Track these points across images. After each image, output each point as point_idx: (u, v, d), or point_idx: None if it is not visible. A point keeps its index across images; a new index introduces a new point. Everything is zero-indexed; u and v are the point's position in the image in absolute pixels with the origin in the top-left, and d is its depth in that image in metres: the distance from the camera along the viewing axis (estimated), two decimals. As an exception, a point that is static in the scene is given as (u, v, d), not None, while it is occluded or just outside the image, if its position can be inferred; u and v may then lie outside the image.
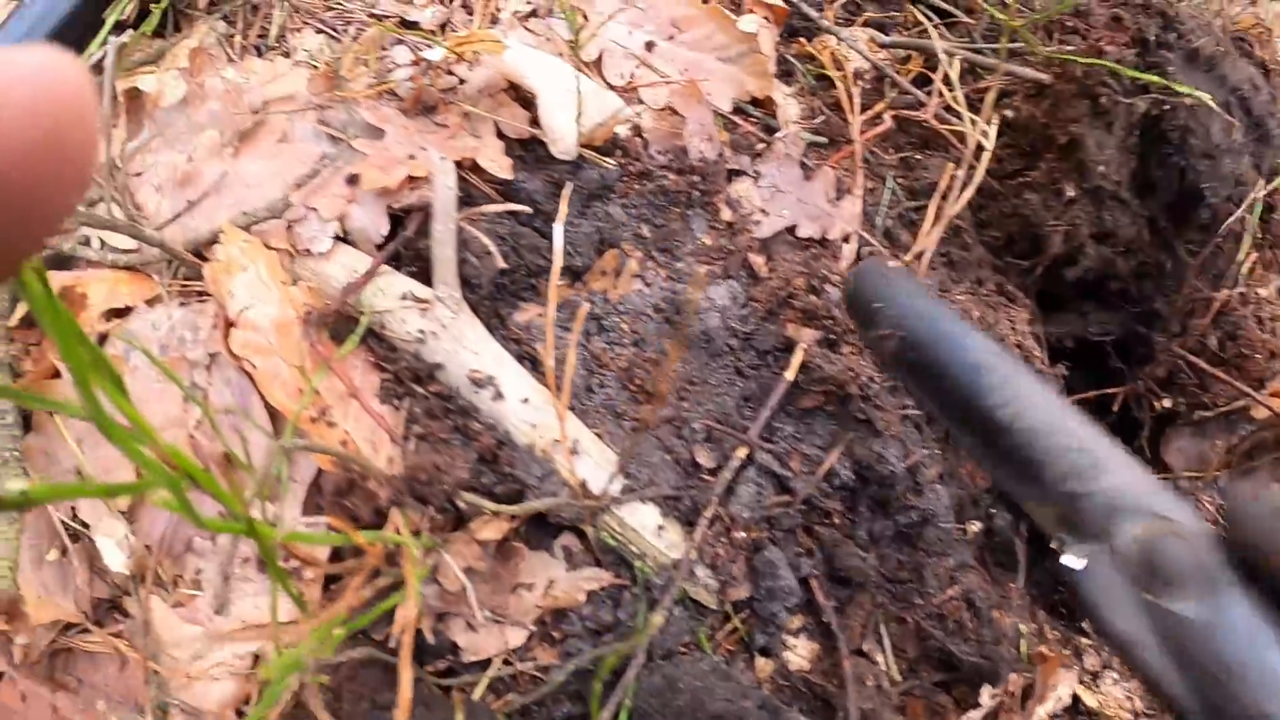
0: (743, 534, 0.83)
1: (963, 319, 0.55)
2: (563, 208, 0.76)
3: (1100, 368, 1.04)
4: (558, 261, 0.74)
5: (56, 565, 0.85)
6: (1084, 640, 1.03)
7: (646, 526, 0.81)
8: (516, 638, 0.79)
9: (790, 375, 0.85)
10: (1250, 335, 0.99)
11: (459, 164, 0.86)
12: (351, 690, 0.74)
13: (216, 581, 0.82)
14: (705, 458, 0.85)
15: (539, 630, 0.80)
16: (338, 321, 0.79)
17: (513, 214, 0.85)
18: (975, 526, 1.02)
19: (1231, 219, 0.94)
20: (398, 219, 0.84)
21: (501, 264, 0.80)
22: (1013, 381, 0.49)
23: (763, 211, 0.92)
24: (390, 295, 0.80)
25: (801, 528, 0.86)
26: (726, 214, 0.93)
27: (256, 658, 0.81)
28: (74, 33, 0.89)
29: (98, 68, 0.90)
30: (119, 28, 0.91)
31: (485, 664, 0.79)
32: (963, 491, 1.03)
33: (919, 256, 0.94)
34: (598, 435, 0.82)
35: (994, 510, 1.09)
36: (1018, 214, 0.98)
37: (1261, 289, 1.06)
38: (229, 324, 0.77)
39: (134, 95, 0.90)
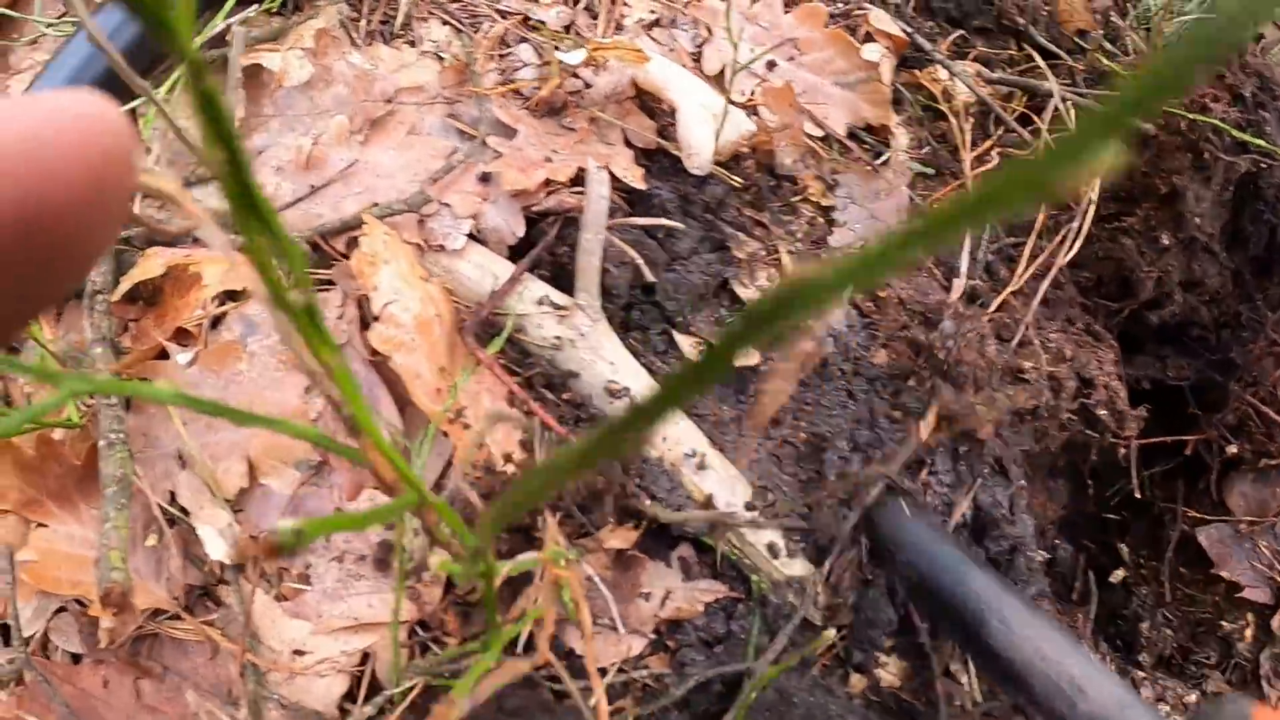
0: (853, 556, 0.85)
1: (968, 558, 0.69)
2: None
3: (1173, 410, 1.08)
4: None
5: (152, 551, 0.82)
6: (1139, 673, 1.08)
7: (765, 544, 0.82)
8: (635, 646, 0.79)
9: (925, 434, 0.86)
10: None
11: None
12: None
13: (328, 577, 0.80)
14: (832, 482, 0.86)
15: (654, 639, 0.81)
16: (480, 324, 0.78)
17: (643, 226, 0.85)
18: (1040, 556, 1.05)
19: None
20: (531, 221, 0.83)
21: (650, 278, 0.80)
22: (1009, 619, 0.69)
23: (853, 230, 0.94)
24: (527, 299, 0.79)
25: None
26: (835, 239, 0.94)
27: (365, 656, 0.80)
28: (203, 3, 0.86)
29: (220, 41, 0.87)
30: (242, 2, 0.88)
31: (602, 672, 0.79)
32: (1035, 523, 1.06)
33: (1016, 294, 0.96)
34: (719, 450, 0.82)
35: (1058, 541, 1.12)
36: (1111, 257, 1.01)
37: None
38: (366, 319, 0.75)
39: (254, 73, 0.88)
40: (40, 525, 0.81)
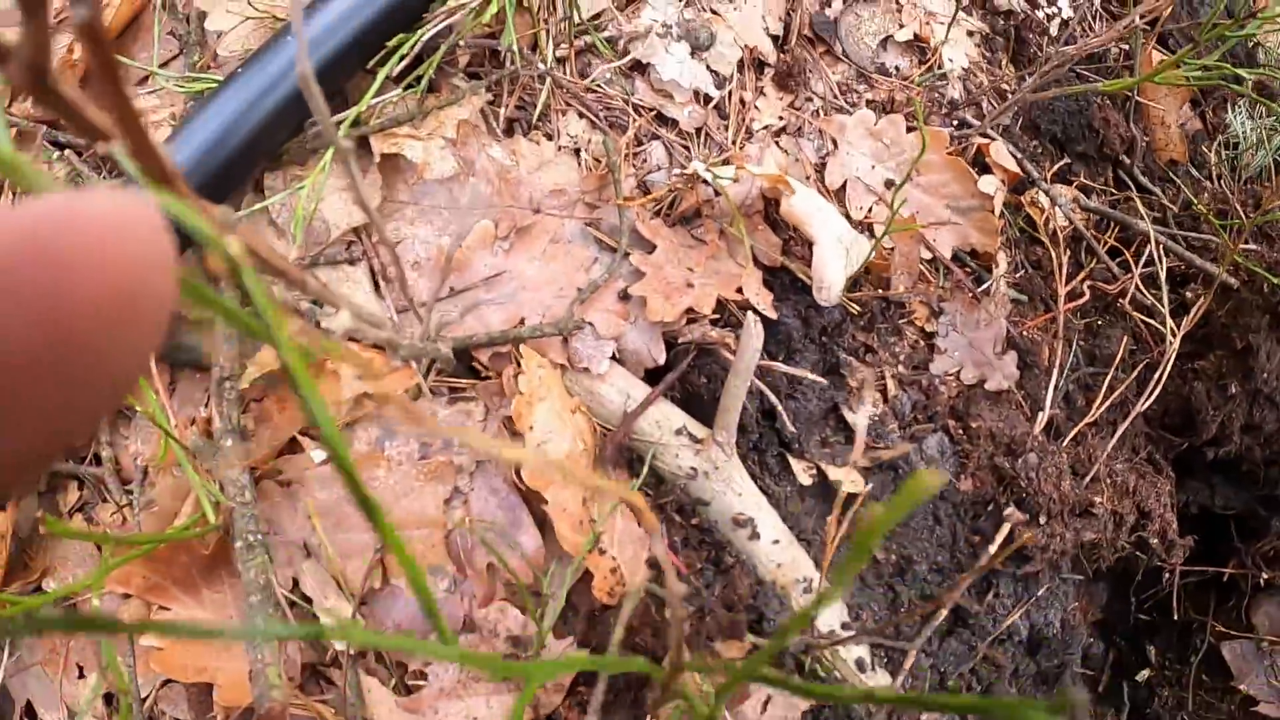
0: (926, 675, 0.91)
1: None
2: (868, 395, 0.79)
3: (1215, 532, 1.17)
4: (860, 440, 0.78)
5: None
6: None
7: (854, 659, 0.87)
8: (733, 754, 0.85)
9: (994, 550, 0.92)
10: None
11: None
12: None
13: (446, 676, 0.83)
14: (908, 599, 0.92)
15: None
16: (618, 450, 0.80)
17: (785, 374, 0.88)
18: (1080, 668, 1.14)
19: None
20: (668, 344, 0.85)
21: (791, 428, 0.83)
22: None
23: (952, 357, 0.98)
24: (666, 429, 0.82)
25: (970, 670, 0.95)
26: (935, 366, 0.98)
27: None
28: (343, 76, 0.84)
29: (358, 120, 0.85)
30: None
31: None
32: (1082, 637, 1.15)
33: (1091, 425, 1.02)
34: (825, 577, 0.87)
35: (1091, 639, 1.21)
36: (1180, 395, 1.07)
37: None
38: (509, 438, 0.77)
39: (391, 158, 0.86)
40: (162, 608, 0.82)
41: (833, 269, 0.88)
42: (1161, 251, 1.03)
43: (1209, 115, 1.19)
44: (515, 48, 0.86)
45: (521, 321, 0.82)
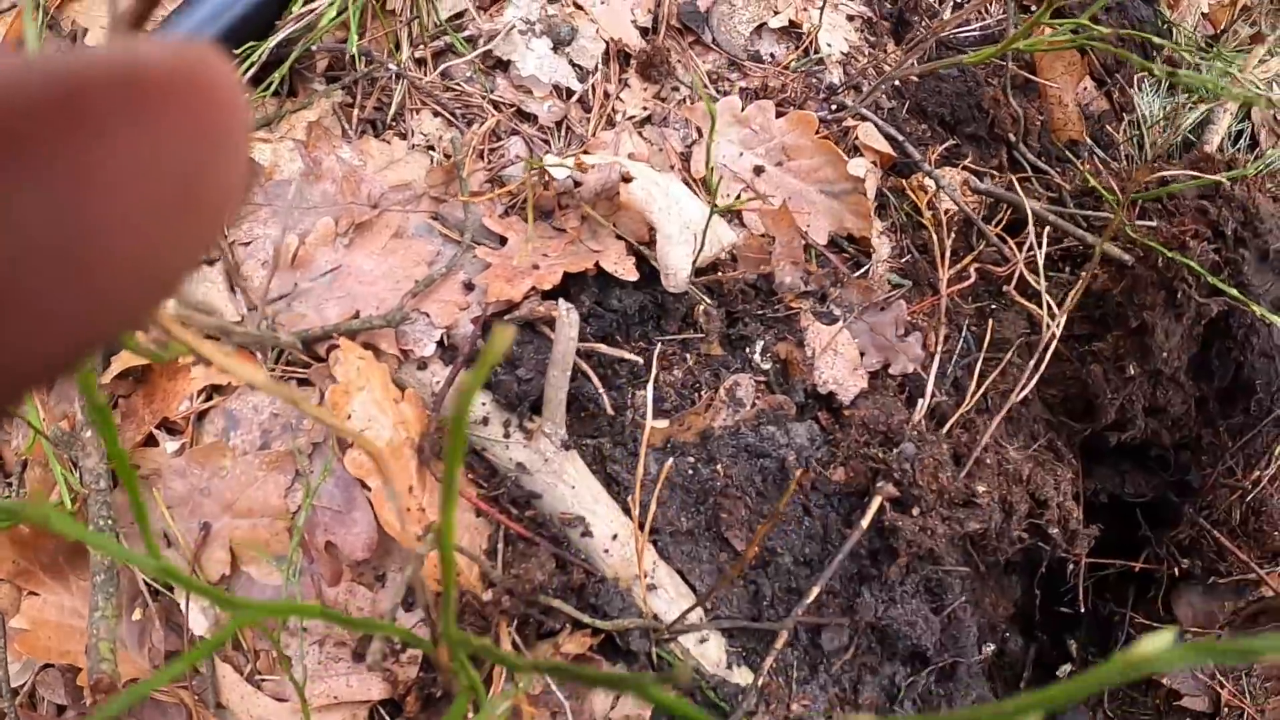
0: (795, 672, 0.89)
1: None
2: (654, 366, 0.79)
3: (1130, 521, 1.12)
4: (649, 419, 0.77)
5: (136, 623, 0.88)
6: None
7: (709, 657, 0.86)
8: (582, 746, 0.85)
9: (865, 524, 0.90)
10: (1273, 513, 1.07)
11: (585, 273, 0.87)
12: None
13: (309, 659, 0.85)
14: (771, 593, 0.90)
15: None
16: (444, 440, 0.81)
17: (607, 355, 0.87)
18: (989, 648, 1.10)
19: (1277, 412, 1.00)
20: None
21: (610, 411, 0.83)
22: None
23: (835, 350, 0.96)
24: (495, 422, 0.82)
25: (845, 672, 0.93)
26: (807, 345, 0.97)
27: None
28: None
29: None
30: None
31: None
32: (983, 620, 1.11)
33: (978, 411, 0.99)
34: (677, 570, 0.86)
35: (1008, 635, 1.17)
36: (1079, 379, 1.03)
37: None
38: (344, 444, 0.79)
39: (247, 161, 0.89)
40: (32, 594, 0.87)
41: (676, 255, 0.88)
42: (1042, 231, 1.00)
43: (1115, 95, 1.15)
44: (357, 51, 0.88)
45: (356, 314, 0.84)
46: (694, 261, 0.88)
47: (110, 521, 0.82)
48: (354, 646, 0.84)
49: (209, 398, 0.86)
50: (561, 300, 0.80)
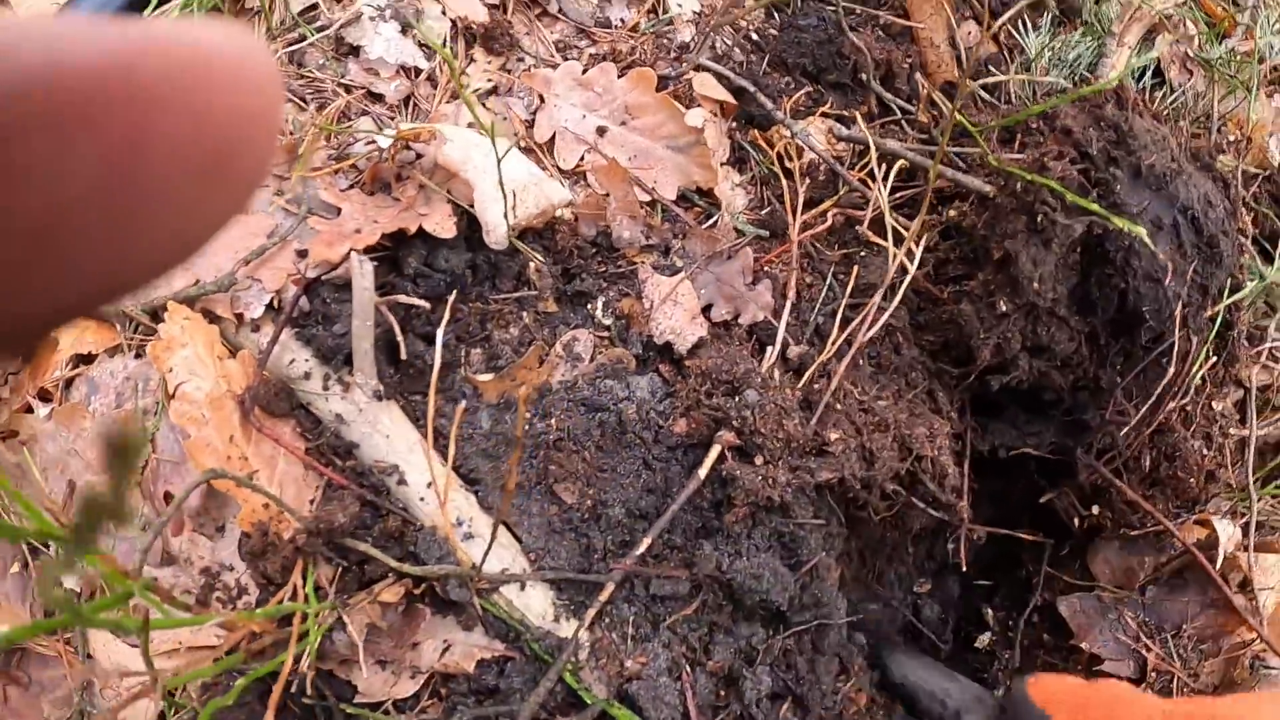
0: (631, 628, 0.88)
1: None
2: (446, 314, 0.81)
3: (1038, 474, 1.04)
4: (438, 361, 0.79)
5: (17, 577, 0.95)
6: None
7: (533, 608, 0.86)
8: (407, 689, 0.86)
9: (703, 473, 0.88)
10: (1187, 456, 0.98)
11: (402, 233, 0.91)
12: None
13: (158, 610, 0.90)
14: (604, 546, 0.89)
15: (430, 686, 0.87)
16: (273, 395, 0.85)
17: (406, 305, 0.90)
18: (876, 608, 1.05)
19: (1167, 341, 0.92)
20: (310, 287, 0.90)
21: (408, 356, 0.85)
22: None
23: (675, 300, 0.95)
24: (316, 376, 0.86)
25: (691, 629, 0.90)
26: (646, 298, 0.96)
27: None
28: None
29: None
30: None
31: (377, 707, 0.86)
32: (872, 581, 1.05)
33: (838, 357, 0.95)
34: (503, 523, 0.86)
35: (920, 603, 1.10)
36: (953, 321, 0.98)
37: (1216, 403, 1.03)
38: (170, 395, 0.84)
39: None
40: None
41: (493, 211, 0.90)
42: (892, 168, 0.96)
43: (1002, 37, 1.09)
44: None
45: (197, 282, 0.90)
46: (509, 218, 0.89)
47: (-13, 481, 0.91)
48: (197, 595, 0.89)
49: (75, 366, 0.94)
50: (354, 253, 0.83)
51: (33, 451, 0.94)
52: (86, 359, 0.94)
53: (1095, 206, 0.86)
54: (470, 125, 0.98)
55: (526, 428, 0.92)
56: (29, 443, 0.95)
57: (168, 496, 0.88)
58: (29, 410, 0.95)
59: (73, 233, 0.15)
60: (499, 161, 0.82)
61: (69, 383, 0.94)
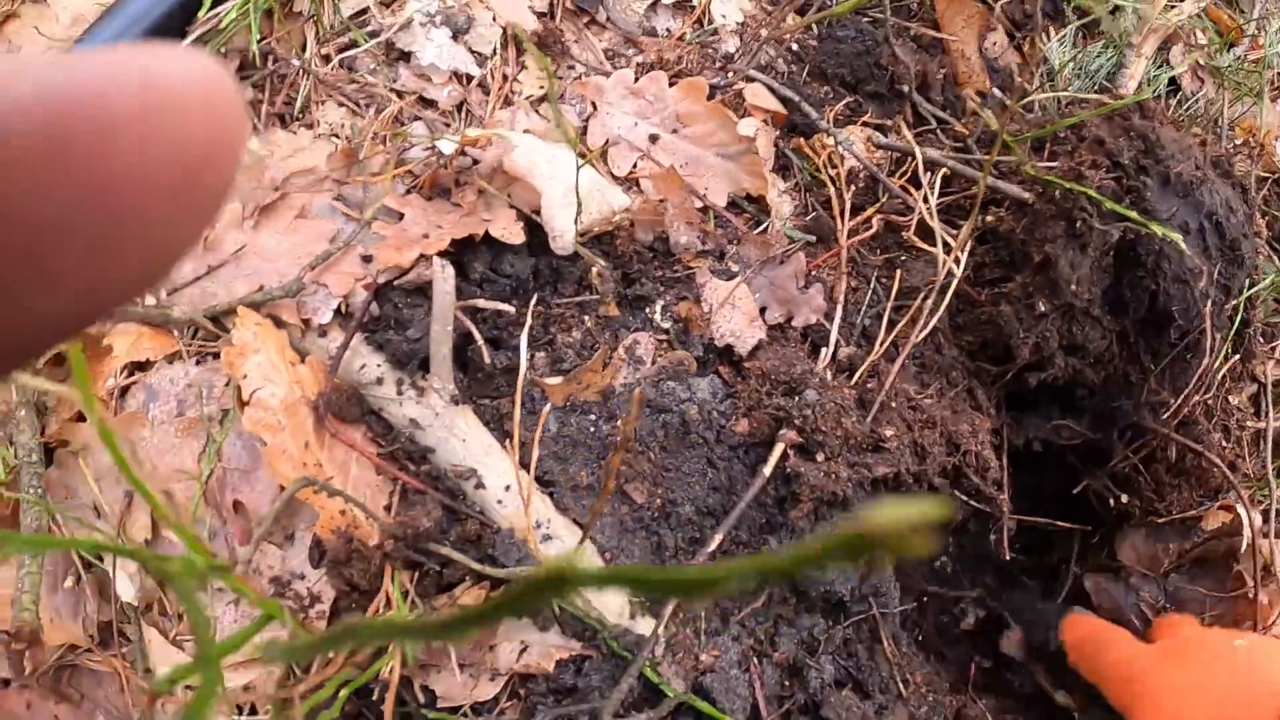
0: (704, 623, 0.90)
1: None
2: (528, 318, 0.82)
3: (1068, 473, 1.10)
4: (524, 364, 0.80)
5: (70, 592, 0.93)
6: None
7: (610, 606, 0.87)
8: (487, 691, 0.86)
9: (768, 470, 0.90)
10: (1210, 447, 1.04)
11: (470, 238, 0.91)
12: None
13: (226, 619, 0.89)
14: (674, 544, 0.91)
15: (509, 688, 0.88)
16: (344, 400, 0.85)
17: (487, 309, 0.91)
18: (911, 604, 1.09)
19: (1193, 338, 0.98)
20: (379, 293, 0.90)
21: (488, 361, 0.86)
22: None
23: (733, 304, 0.98)
24: (389, 381, 0.86)
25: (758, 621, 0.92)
26: (705, 301, 0.98)
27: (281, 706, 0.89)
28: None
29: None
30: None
31: (457, 710, 0.86)
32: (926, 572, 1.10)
33: (890, 359, 0.99)
34: (577, 523, 0.88)
35: (964, 593, 1.15)
36: (992, 322, 1.02)
37: (1233, 397, 1.10)
38: (243, 402, 0.84)
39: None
40: (-29, 568, 0.93)
41: (560, 218, 0.91)
42: (937, 175, 1.00)
43: (1025, 48, 1.15)
44: (258, 50, 0.95)
45: (261, 288, 0.89)
46: (577, 223, 0.91)
47: (40, 492, 0.88)
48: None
49: (131, 374, 0.92)
50: (436, 257, 0.84)
51: (84, 460, 0.92)
52: (142, 366, 0.92)
53: (1133, 214, 0.92)
54: (527, 131, 0.99)
55: (592, 429, 0.93)
56: (81, 452, 0.93)
57: (236, 505, 0.87)
58: (80, 419, 0.93)
59: (48, 253, 0.16)
60: (577, 168, 0.83)
61: (124, 390, 0.92)
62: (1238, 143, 1.12)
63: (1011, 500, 1.05)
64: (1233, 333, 1.01)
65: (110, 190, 0.16)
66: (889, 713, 0.92)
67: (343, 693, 0.74)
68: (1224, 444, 1.03)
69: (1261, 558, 0.96)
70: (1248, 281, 0.99)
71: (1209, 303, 0.95)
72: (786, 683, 0.93)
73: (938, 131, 1.09)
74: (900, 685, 0.96)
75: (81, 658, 0.93)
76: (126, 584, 0.91)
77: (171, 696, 0.89)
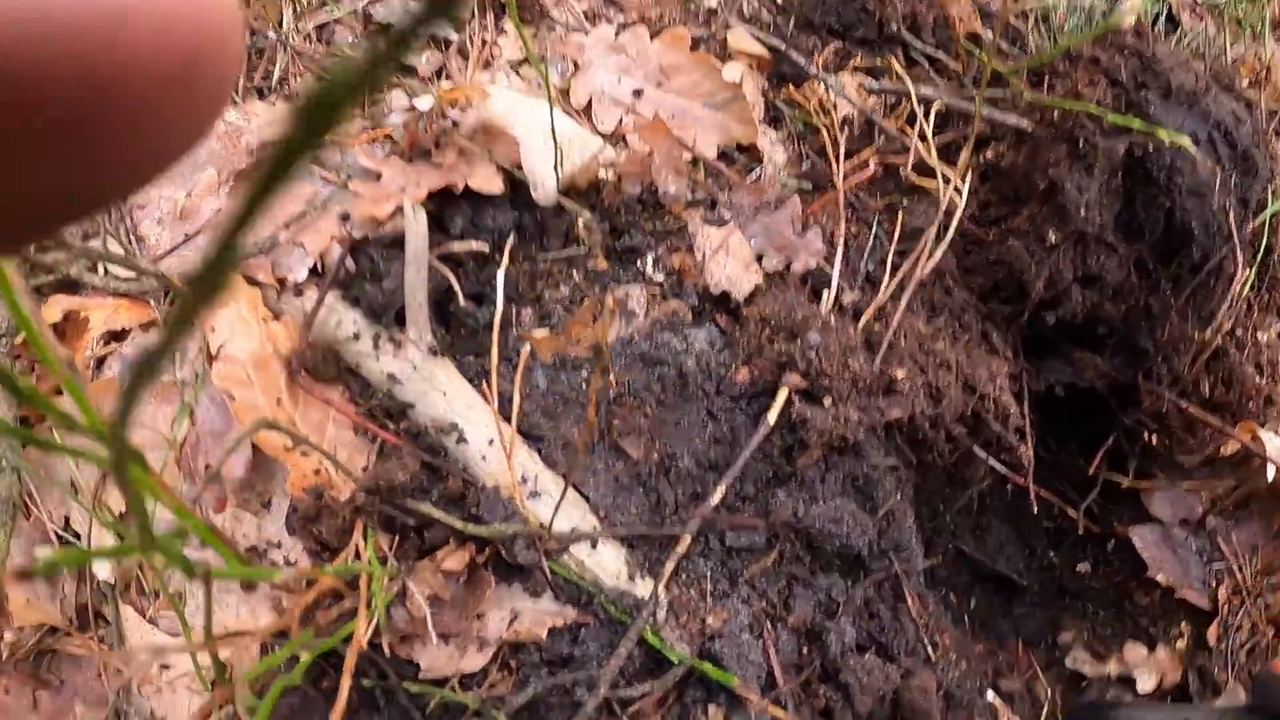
0: (709, 584, 0.84)
1: None
2: (504, 259, 0.79)
3: (1093, 408, 1.03)
4: (499, 308, 0.76)
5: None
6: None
7: (606, 568, 0.82)
8: (475, 663, 0.80)
9: (773, 418, 0.85)
10: (1244, 381, 0.97)
11: (448, 189, 0.89)
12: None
13: (201, 594, 0.85)
14: (674, 500, 0.86)
15: (498, 658, 0.81)
16: (319, 358, 0.82)
17: (460, 252, 0.87)
18: (935, 560, 1.01)
19: (1215, 261, 0.92)
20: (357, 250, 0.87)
21: (463, 307, 0.82)
22: None
23: (727, 250, 0.93)
24: (366, 337, 0.83)
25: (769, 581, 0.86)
26: (697, 250, 0.95)
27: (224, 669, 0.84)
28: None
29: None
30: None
31: (443, 683, 0.80)
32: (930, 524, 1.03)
33: (894, 299, 0.94)
34: (564, 477, 0.83)
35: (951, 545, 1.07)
36: (1001, 260, 0.97)
37: (1261, 333, 1.03)
38: (211, 356, 0.80)
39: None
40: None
41: (540, 165, 0.88)
42: (930, 110, 0.97)
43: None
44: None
45: (236, 250, 0.87)
46: (559, 170, 0.88)
47: (13, 464, 0.85)
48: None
49: (108, 343, 0.89)
50: (407, 203, 0.81)
51: (61, 435, 0.89)
52: (119, 336, 0.90)
53: (1136, 122, 0.87)
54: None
55: (584, 386, 0.89)
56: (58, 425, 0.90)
57: (209, 469, 0.83)
58: (58, 393, 0.90)
59: (53, 138, 0.16)
60: (550, 111, 0.81)
61: (100, 361, 0.90)
62: (1244, 82, 1.07)
63: (1034, 454, 0.98)
64: (1257, 261, 0.95)
65: (108, 74, 0.16)
66: (915, 677, 0.85)
67: (305, 657, 0.68)
68: (1258, 380, 0.96)
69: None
70: (1268, 196, 0.93)
71: (1229, 216, 0.89)
72: (804, 649, 0.86)
73: (931, 73, 1.06)
74: (928, 648, 0.88)
75: (60, 642, 0.88)
76: (102, 562, 0.87)
77: (147, 679, 0.84)
